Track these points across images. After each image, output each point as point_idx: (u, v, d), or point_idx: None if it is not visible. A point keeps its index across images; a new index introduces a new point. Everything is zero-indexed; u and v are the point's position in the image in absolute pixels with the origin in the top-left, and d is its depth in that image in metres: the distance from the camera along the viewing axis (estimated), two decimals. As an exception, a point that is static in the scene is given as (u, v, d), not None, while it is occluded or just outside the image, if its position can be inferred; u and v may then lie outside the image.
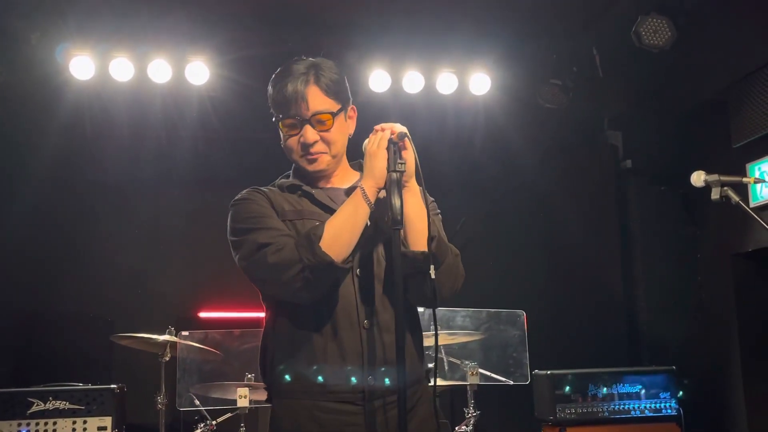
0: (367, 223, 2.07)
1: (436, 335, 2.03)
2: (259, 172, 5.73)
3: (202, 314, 5.66)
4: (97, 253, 5.58)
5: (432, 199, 2.27)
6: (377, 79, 5.29)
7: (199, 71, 5.12)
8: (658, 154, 5.99)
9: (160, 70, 5.09)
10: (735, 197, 2.66)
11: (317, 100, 2.15)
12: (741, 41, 4.72)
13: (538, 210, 5.99)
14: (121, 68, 5.05)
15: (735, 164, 4.93)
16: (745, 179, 2.81)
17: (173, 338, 4.35)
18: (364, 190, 2.03)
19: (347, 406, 2.05)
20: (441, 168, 5.37)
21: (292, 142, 2.20)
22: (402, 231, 1.98)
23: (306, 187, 2.22)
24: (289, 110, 2.15)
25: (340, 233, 2.00)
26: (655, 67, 5.47)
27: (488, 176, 5.96)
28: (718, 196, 2.69)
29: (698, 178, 2.76)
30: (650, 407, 4.89)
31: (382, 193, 2.06)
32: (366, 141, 2.12)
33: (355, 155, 2.27)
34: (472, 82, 5.49)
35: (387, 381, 2.03)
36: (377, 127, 2.10)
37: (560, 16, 5.27)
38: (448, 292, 2.10)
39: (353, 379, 2.03)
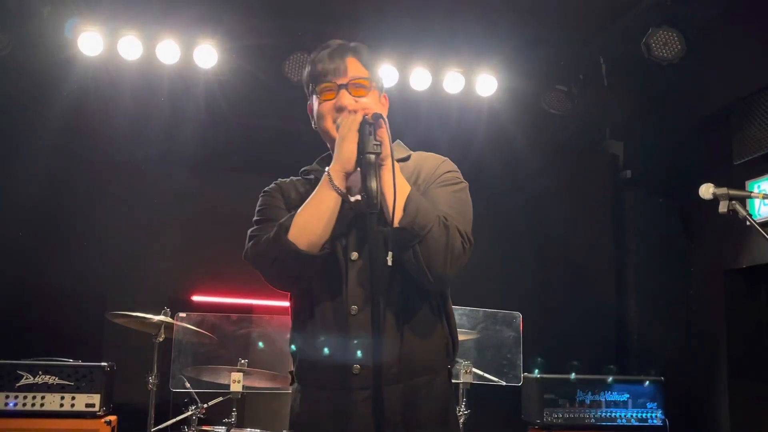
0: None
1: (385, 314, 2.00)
2: (262, 159, 5.80)
3: (196, 298, 5.65)
4: (95, 230, 5.55)
5: (448, 169, 2.17)
6: (385, 74, 5.29)
7: (208, 54, 5.11)
8: (657, 166, 6.02)
9: (168, 51, 5.08)
10: (743, 211, 2.68)
11: (355, 68, 2.12)
12: (748, 59, 4.76)
13: (536, 214, 6.00)
14: (130, 46, 5.03)
15: (735, 181, 4.93)
16: (753, 194, 2.83)
17: (169, 319, 4.34)
18: (330, 175, 1.96)
19: (333, 393, 2.03)
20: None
21: (325, 107, 2.09)
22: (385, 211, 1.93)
23: (317, 171, 2.16)
24: (326, 76, 2.10)
25: (307, 223, 1.96)
26: (660, 80, 5.50)
27: (488, 177, 5.96)
28: (725, 210, 2.71)
29: (707, 191, 2.77)
30: (636, 416, 4.93)
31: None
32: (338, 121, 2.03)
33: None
34: (478, 82, 5.51)
35: (372, 369, 1.89)
36: (350, 107, 2.03)
37: (569, 23, 5.30)
38: (440, 269, 1.93)
39: (335, 369, 2.01)
